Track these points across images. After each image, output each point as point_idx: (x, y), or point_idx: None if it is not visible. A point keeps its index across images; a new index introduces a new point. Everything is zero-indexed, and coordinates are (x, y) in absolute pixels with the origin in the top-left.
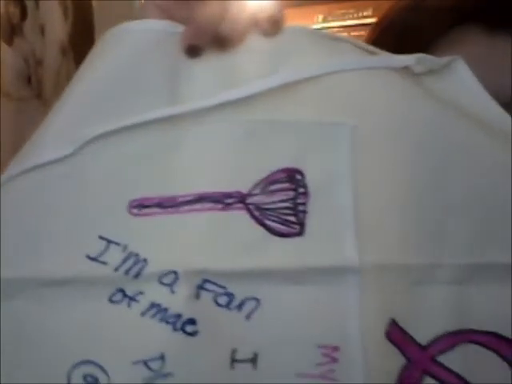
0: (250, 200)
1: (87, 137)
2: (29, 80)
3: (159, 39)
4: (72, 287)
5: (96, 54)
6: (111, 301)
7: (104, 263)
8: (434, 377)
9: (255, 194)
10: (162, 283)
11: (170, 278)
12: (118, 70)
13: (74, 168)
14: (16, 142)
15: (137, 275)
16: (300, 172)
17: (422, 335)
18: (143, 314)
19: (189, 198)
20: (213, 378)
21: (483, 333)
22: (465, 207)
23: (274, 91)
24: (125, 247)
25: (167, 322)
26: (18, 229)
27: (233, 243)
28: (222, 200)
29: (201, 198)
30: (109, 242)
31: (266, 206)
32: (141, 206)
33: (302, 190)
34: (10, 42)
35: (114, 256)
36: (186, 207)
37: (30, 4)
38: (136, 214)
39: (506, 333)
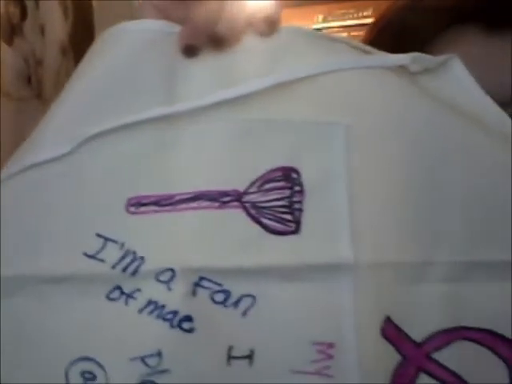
0: (246, 198)
1: (85, 135)
2: (29, 80)
3: (156, 39)
4: (70, 284)
5: (94, 54)
6: (109, 298)
7: (102, 261)
8: (429, 374)
9: (251, 193)
10: (159, 280)
11: (166, 276)
12: (116, 70)
13: (72, 166)
14: (16, 141)
15: (134, 273)
16: (296, 171)
17: (417, 332)
18: (140, 311)
19: (186, 197)
20: (209, 375)
21: (478, 330)
22: (462, 206)
23: (270, 90)
24: (122, 245)
25: (164, 319)
26: (16, 227)
27: (229, 241)
28: (219, 198)
29: (198, 197)
30: (106, 239)
31: (262, 205)
32: (138, 204)
33: (297, 188)
34: (10, 42)
35: (112, 254)
36: (183, 205)
37: (30, 4)
38: (133, 212)
39: (501, 330)
